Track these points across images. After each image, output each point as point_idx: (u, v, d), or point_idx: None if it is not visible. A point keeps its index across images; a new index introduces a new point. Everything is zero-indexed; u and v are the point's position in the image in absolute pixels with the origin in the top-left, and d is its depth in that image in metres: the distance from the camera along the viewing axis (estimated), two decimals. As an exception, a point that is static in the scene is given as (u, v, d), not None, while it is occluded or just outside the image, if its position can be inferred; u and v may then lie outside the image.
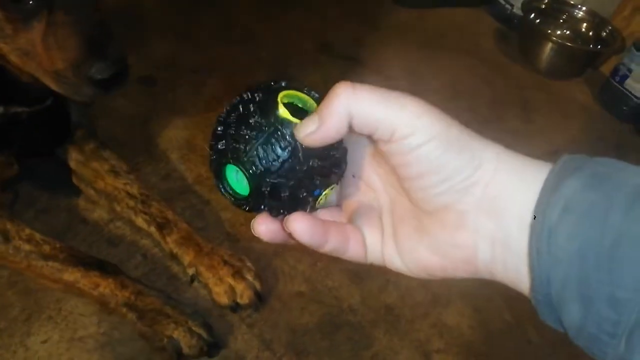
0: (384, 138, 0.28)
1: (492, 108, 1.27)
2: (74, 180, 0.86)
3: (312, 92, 0.31)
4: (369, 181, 0.34)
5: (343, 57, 1.32)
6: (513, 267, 0.27)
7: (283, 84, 0.31)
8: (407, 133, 0.27)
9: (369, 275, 0.85)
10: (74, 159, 0.84)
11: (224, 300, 0.75)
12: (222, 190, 0.31)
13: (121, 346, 0.71)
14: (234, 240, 0.85)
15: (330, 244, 0.31)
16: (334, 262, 0.85)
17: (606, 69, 1.40)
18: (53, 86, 0.63)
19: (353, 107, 0.27)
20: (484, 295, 0.86)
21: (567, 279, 0.24)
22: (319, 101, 0.29)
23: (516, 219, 0.27)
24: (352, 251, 0.32)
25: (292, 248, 0.86)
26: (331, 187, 0.31)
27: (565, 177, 0.25)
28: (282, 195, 0.29)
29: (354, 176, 0.34)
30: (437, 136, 0.27)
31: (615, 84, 1.31)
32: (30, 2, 0.57)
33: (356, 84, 0.28)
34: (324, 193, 0.31)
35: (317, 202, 0.31)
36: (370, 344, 0.77)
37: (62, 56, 0.59)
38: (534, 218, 0.26)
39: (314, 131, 0.28)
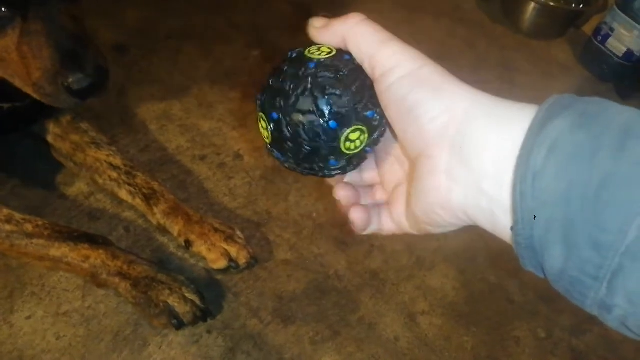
0: (370, 74, 0.31)
1: (474, 70, 1.26)
2: (53, 154, 0.84)
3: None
4: (399, 158, 0.37)
5: (323, 21, 1.29)
6: (488, 210, 0.27)
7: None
8: (384, 71, 0.30)
9: (355, 242, 0.85)
10: (51, 132, 0.82)
11: (221, 263, 0.75)
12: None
13: (107, 319, 0.70)
14: (217, 210, 0.85)
15: (372, 224, 0.36)
16: (319, 229, 0.85)
17: (588, 28, 1.39)
18: (32, 94, 0.62)
19: (347, 36, 0.32)
20: (468, 258, 0.87)
21: (551, 221, 0.24)
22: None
23: (491, 160, 0.26)
24: (387, 229, 0.37)
25: (276, 217, 0.86)
26: (355, 128, 0.33)
27: (552, 117, 0.25)
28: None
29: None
30: (409, 74, 0.29)
31: (597, 43, 1.31)
32: (3, 10, 0.56)
33: (365, 19, 0.32)
34: (347, 135, 0.32)
35: (343, 145, 0.33)
36: (356, 308, 0.78)
37: (38, 66, 0.59)
38: (518, 158, 0.25)
39: (317, 28, 0.34)
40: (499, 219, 0.27)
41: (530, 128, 0.25)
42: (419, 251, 0.86)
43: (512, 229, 0.26)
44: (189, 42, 1.13)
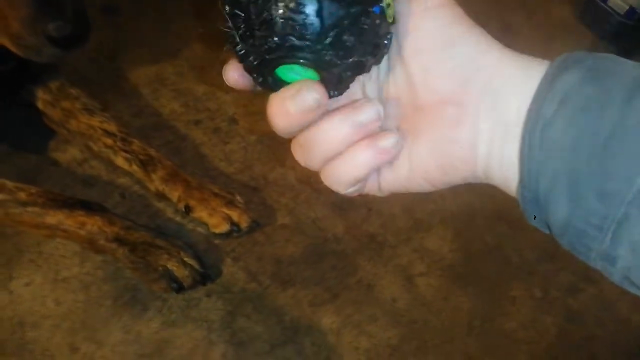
0: None
1: (474, 30, 1.24)
2: (45, 121, 0.82)
3: None
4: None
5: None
6: (508, 162, 0.26)
7: None
8: None
9: (352, 206, 0.85)
10: (40, 98, 0.80)
11: (223, 227, 0.75)
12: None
13: (106, 285, 0.71)
14: (213, 176, 0.84)
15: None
16: (316, 194, 0.85)
17: (590, -15, 1.35)
18: (12, 48, 0.60)
19: None
20: (465, 219, 0.87)
21: (557, 172, 0.24)
22: None
23: (515, 111, 0.26)
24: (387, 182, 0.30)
25: (273, 182, 0.85)
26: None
27: (564, 71, 0.24)
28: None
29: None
30: (448, 5, 0.27)
31: (598, 1, 1.28)
32: None
33: None
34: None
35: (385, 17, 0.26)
36: (354, 271, 0.78)
37: (14, 15, 0.56)
38: (529, 111, 0.25)
39: None
40: (512, 171, 0.26)
41: (541, 82, 0.25)
42: (417, 214, 0.86)
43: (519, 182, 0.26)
44: (179, 2, 1.09)
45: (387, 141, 0.27)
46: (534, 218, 0.26)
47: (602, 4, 1.27)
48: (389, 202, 0.86)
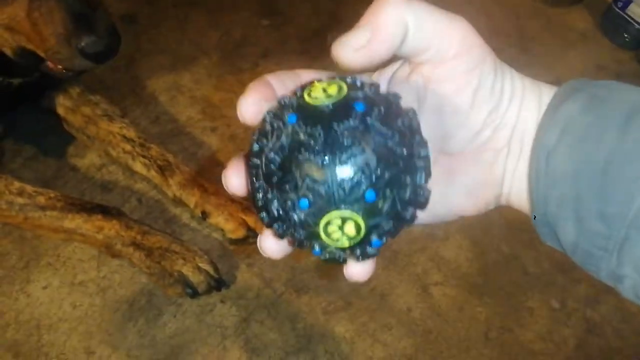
0: (436, 58, 0.25)
1: (490, 38, 1.22)
2: (65, 127, 0.83)
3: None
4: None
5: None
6: (524, 189, 0.28)
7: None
8: (460, 52, 0.25)
9: (367, 213, 0.84)
10: (61, 105, 0.82)
11: (239, 232, 0.75)
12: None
13: (122, 289, 0.71)
14: (229, 182, 0.84)
15: None
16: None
17: (608, -6, 1.34)
18: (45, 57, 0.63)
19: (408, 16, 0.23)
20: (482, 229, 0.86)
21: (562, 198, 0.25)
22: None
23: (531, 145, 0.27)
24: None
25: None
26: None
27: (565, 100, 0.25)
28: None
29: None
30: (488, 58, 0.26)
31: (617, 10, 1.26)
32: None
33: None
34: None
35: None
36: (368, 279, 0.78)
37: (50, 32, 0.59)
38: (534, 141, 0.26)
39: (363, 45, 0.23)
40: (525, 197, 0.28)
41: (545, 112, 0.26)
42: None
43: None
44: (196, 10, 1.11)
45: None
46: (548, 237, 0.27)
47: (621, 13, 1.25)
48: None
